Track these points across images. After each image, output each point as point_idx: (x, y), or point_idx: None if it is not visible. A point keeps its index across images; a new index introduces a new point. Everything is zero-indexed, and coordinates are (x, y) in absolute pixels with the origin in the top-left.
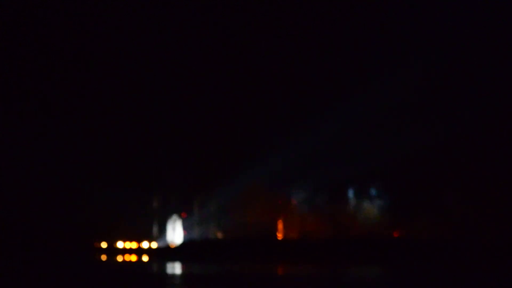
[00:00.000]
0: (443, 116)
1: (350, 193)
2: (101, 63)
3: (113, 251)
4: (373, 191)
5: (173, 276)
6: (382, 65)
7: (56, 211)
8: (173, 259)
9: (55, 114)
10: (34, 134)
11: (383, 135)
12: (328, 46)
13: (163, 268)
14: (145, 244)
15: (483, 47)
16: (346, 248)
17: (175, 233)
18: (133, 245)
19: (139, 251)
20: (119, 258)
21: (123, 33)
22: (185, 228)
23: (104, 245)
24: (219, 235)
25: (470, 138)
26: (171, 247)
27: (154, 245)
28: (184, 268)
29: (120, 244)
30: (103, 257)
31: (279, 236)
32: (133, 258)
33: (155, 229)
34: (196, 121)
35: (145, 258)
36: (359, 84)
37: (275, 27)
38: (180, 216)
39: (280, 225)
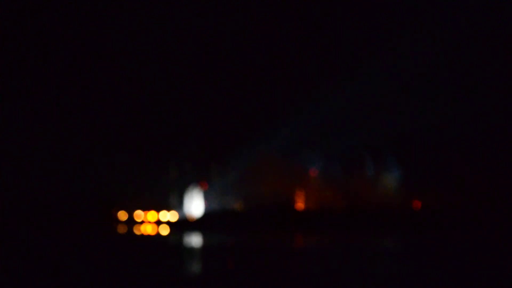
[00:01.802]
0: (456, 88)
1: (366, 163)
2: (116, 37)
3: (131, 222)
4: (389, 161)
5: (193, 248)
6: (397, 34)
7: (73, 181)
8: (193, 231)
9: (73, 87)
10: (50, 101)
11: (398, 106)
12: (343, 13)
13: (183, 240)
14: (164, 215)
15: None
16: (363, 219)
17: (194, 204)
18: (152, 217)
19: (157, 223)
20: (138, 230)
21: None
22: (204, 199)
23: (122, 216)
24: (238, 206)
25: (483, 108)
26: (189, 220)
27: (172, 216)
28: (203, 240)
29: (138, 216)
30: (122, 229)
31: (297, 206)
32: (152, 230)
33: (173, 200)
34: (211, 90)
35: (164, 230)
36: (375, 53)
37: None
38: (199, 187)
39: (297, 195)
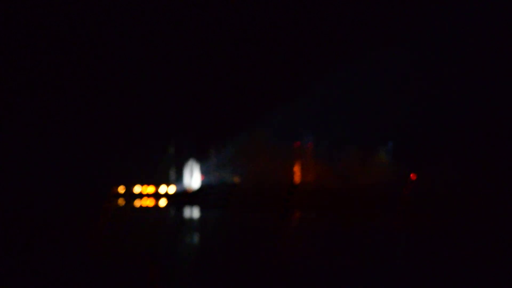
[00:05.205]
0: (447, 72)
1: (359, 142)
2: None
3: (130, 196)
4: (383, 137)
5: (190, 221)
6: (393, 22)
7: (74, 156)
8: (190, 204)
9: (74, 70)
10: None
11: (392, 86)
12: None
13: (180, 213)
14: (162, 189)
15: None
16: (357, 195)
17: (192, 178)
18: (151, 189)
19: (156, 196)
20: (137, 203)
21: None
22: (202, 172)
23: (121, 190)
24: (236, 180)
25: (473, 90)
26: (188, 191)
27: (171, 189)
28: (200, 213)
29: (137, 189)
30: (121, 202)
31: (295, 182)
32: (151, 203)
33: (172, 174)
34: (210, 69)
35: (162, 202)
36: (370, 36)
37: None
38: (197, 161)
39: (295, 171)
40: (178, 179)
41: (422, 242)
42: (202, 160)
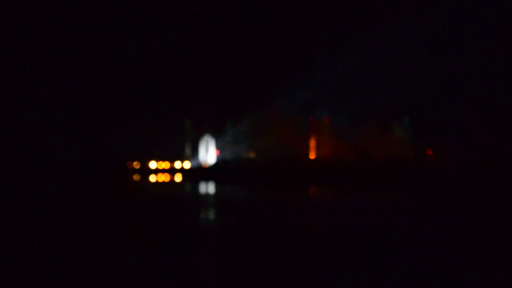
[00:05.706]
0: (465, 45)
1: (376, 117)
2: None
3: (146, 171)
4: (399, 114)
5: (206, 196)
6: None
7: (91, 132)
8: (206, 180)
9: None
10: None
11: (409, 62)
12: None
13: (195, 188)
14: (177, 164)
15: None
16: (373, 171)
17: (208, 153)
18: (166, 165)
19: (171, 171)
20: (152, 178)
21: None
22: (218, 148)
23: (137, 165)
24: (251, 155)
25: (489, 65)
26: (203, 167)
27: (186, 165)
28: (216, 188)
29: (152, 164)
30: (136, 177)
31: (311, 156)
32: (166, 178)
33: (187, 149)
34: (226, 45)
35: (177, 178)
36: (385, 12)
37: None
38: (213, 136)
39: (311, 146)
40: (194, 155)
41: (434, 224)
42: (217, 135)
